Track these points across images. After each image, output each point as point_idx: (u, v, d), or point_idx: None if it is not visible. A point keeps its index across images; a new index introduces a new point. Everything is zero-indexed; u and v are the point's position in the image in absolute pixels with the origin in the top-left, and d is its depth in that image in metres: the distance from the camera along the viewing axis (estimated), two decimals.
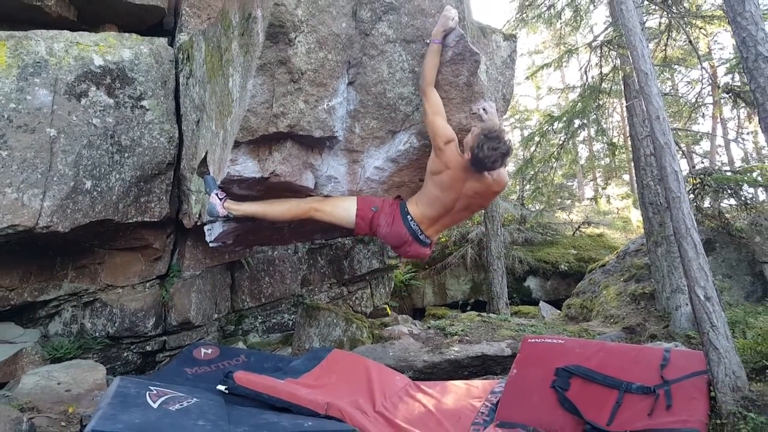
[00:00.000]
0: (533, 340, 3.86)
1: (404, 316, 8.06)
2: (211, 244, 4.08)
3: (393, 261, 8.00)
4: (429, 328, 6.14)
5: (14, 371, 3.87)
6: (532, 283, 11.58)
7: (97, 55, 3.95)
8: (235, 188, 3.16)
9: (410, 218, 3.09)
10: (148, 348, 4.76)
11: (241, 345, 5.42)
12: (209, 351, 4.23)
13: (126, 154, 4.01)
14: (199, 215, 4.11)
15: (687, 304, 5.67)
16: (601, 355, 3.43)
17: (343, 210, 3.14)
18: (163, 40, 4.51)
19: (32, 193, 3.49)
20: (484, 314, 7.41)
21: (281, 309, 6.38)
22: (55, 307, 4.33)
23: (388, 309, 8.43)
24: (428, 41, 2.93)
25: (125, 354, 4.65)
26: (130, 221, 4.10)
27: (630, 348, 3.99)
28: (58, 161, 3.62)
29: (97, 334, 4.40)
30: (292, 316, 6.36)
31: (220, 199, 3.19)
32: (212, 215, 3.26)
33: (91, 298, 4.44)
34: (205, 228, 4.07)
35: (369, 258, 7.39)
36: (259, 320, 6.10)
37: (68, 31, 4.01)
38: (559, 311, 9.32)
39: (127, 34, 4.32)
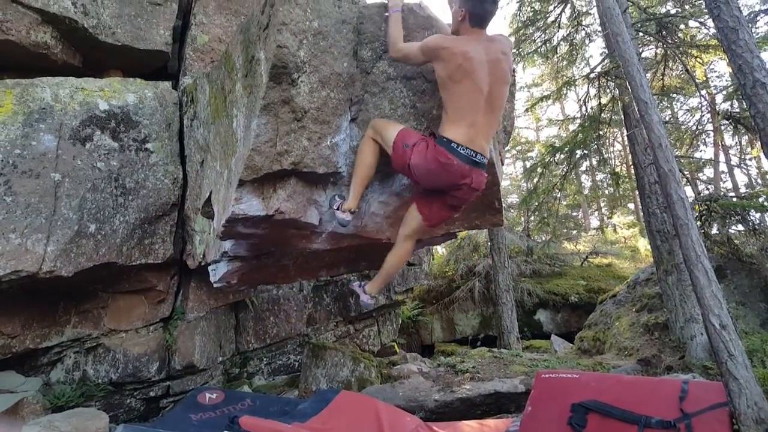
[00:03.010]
0: (547, 376, 3.75)
1: (413, 353, 7.89)
2: (215, 285, 4.05)
3: (400, 297, 7.91)
4: (439, 365, 6.00)
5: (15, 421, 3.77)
6: (542, 316, 11.41)
7: (101, 99, 4.01)
8: (239, 227, 3.15)
9: (456, 145, 2.65)
10: (152, 394, 4.64)
11: (246, 388, 5.29)
12: (214, 395, 4.13)
13: (130, 197, 4.02)
14: (203, 255, 4.08)
15: (702, 334, 5.54)
16: (618, 389, 3.32)
17: (389, 137, 2.83)
18: (167, 84, 4.59)
19: (36, 238, 3.47)
20: (495, 350, 7.25)
21: (287, 350, 6.27)
22: (57, 354, 4.25)
23: (396, 346, 8.28)
24: (387, 14, 2.90)
25: (128, 401, 4.54)
26: (134, 264, 4.07)
27: (647, 381, 3.87)
28: (62, 205, 3.63)
29: (99, 380, 4.31)
30: (298, 357, 6.24)
31: (338, 209, 3.06)
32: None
33: (94, 344, 4.37)
34: (210, 268, 4.04)
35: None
36: (265, 362, 5.98)
37: (73, 77, 4.09)
38: (571, 345, 9.14)
39: (131, 79, 4.41)
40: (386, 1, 2.97)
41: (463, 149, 2.66)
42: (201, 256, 4.13)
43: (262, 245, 3.54)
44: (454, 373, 5.50)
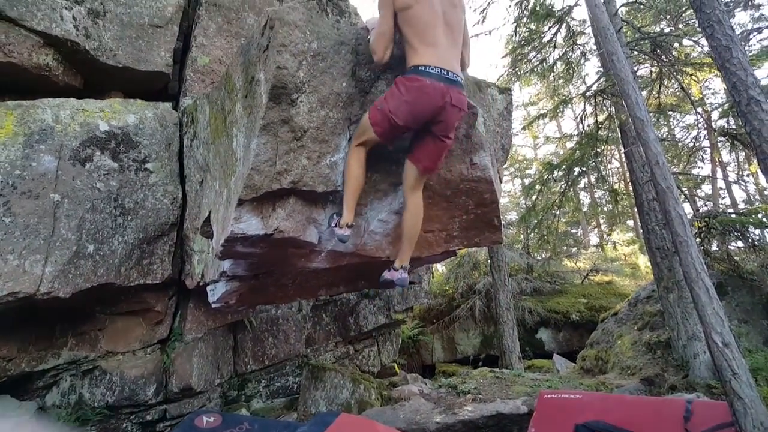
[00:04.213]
0: (550, 396, 3.71)
1: (413, 374, 7.82)
2: (214, 305, 4.01)
3: (400, 316, 7.85)
4: (440, 386, 5.93)
5: None
6: (544, 334, 11.31)
7: (102, 120, 4.03)
8: (238, 246, 3.13)
9: (424, 67, 2.69)
10: (148, 417, 4.57)
11: (244, 411, 5.22)
12: (211, 419, 4.04)
13: (129, 217, 4.01)
14: (202, 275, 4.06)
15: (705, 352, 5.49)
16: (622, 409, 3.28)
17: (365, 122, 2.85)
18: (168, 105, 4.62)
19: (34, 259, 3.45)
20: (497, 370, 7.18)
21: (285, 371, 6.19)
22: (53, 377, 4.19)
23: (396, 367, 8.19)
24: (369, 37, 2.96)
25: (124, 425, 4.46)
26: (132, 284, 4.04)
27: (650, 401, 3.82)
28: (61, 226, 3.62)
29: (95, 404, 4.24)
30: (297, 379, 6.16)
31: (334, 226, 3.05)
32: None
33: (91, 366, 4.31)
34: (208, 288, 4.02)
35: (375, 313, 7.25)
36: (263, 384, 5.90)
37: (75, 98, 4.11)
38: (573, 364, 9.06)
39: (132, 100, 4.44)
40: (367, 26, 3.05)
41: (433, 69, 2.68)
42: (199, 276, 4.10)
43: (261, 264, 3.52)
44: (456, 394, 5.44)
